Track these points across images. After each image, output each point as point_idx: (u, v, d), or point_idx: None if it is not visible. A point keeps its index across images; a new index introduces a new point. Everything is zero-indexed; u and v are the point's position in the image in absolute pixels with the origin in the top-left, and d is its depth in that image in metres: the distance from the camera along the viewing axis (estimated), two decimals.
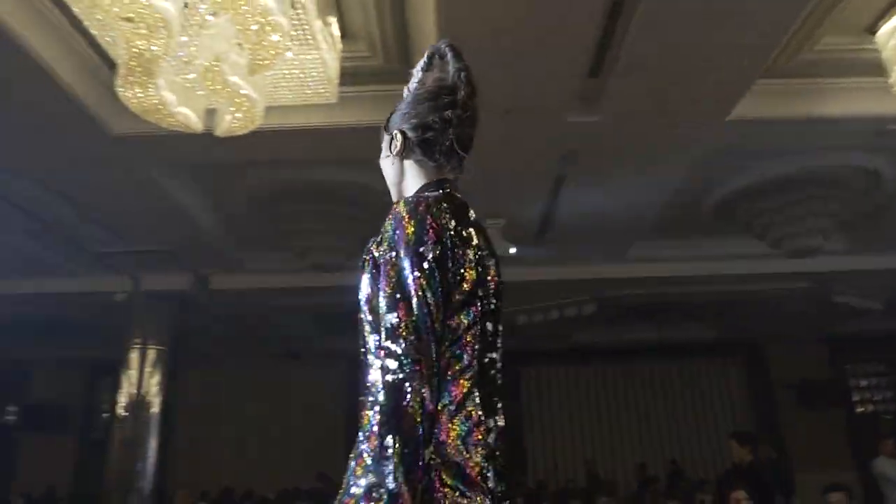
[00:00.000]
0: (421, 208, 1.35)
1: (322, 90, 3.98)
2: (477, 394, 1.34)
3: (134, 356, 7.82)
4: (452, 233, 1.35)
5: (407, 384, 1.24)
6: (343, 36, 4.05)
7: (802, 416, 11.42)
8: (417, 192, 1.47)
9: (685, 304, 9.63)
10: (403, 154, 1.52)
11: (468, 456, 1.28)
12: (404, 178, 1.53)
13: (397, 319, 1.27)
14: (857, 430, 11.26)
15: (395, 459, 1.19)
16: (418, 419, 1.22)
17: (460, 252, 1.35)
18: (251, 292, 8.13)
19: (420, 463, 1.21)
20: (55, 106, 4.34)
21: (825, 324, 10.50)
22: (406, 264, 1.30)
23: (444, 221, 1.35)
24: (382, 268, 1.33)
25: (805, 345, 11.63)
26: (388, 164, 1.56)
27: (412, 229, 1.32)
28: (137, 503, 7.38)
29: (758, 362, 12.22)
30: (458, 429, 1.30)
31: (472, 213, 1.47)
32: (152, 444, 7.61)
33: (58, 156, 5.09)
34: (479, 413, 1.33)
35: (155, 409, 7.74)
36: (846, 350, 11.89)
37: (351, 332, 1.47)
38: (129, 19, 2.82)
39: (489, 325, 1.40)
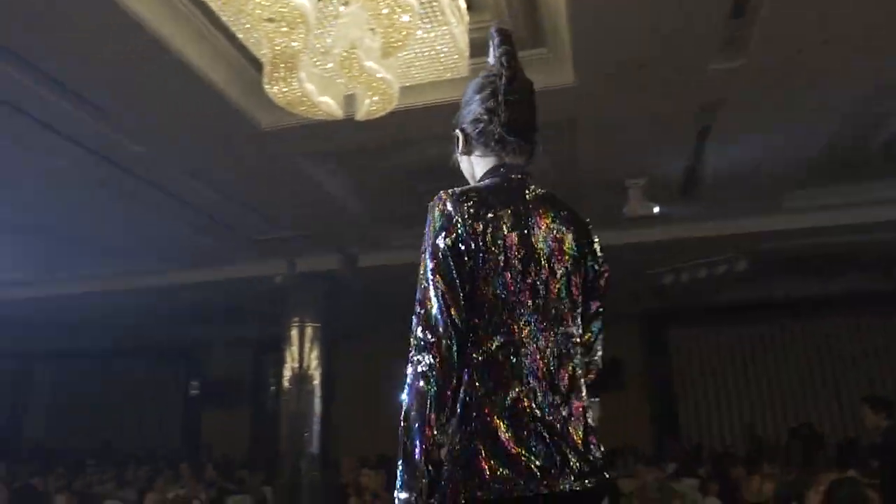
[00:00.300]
0: (441, 200, 1.42)
1: (453, 65, 3.99)
2: (526, 368, 1.37)
3: (294, 333, 8.38)
4: (469, 218, 1.39)
5: (420, 365, 1.32)
6: (469, 8, 4.02)
7: None
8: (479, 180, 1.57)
9: (849, 254, 8.82)
10: (467, 150, 1.59)
11: (506, 430, 1.32)
12: (474, 170, 1.60)
13: (419, 307, 1.37)
14: None
15: (404, 434, 1.30)
16: (428, 395, 1.30)
17: (481, 234, 1.38)
18: (396, 268, 8.39)
19: (426, 437, 1.28)
20: (211, 108, 4.69)
21: None
22: (427, 254, 1.39)
23: (462, 208, 1.40)
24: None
25: None
26: (459, 161, 1.65)
27: (434, 221, 1.40)
28: (308, 467, 8.00)
29: None
30: (497, 405, 1.34)
31: (530, 191, 1.50)
32: (316, 413, 8.16)
33: (217, 154, 5.53)
34: (526, 389, 1.35)
35: (316, 381, 8.28)
36: None
37: None
38: (270, 20, 2.98)
39: (555, 301, 1.44)
